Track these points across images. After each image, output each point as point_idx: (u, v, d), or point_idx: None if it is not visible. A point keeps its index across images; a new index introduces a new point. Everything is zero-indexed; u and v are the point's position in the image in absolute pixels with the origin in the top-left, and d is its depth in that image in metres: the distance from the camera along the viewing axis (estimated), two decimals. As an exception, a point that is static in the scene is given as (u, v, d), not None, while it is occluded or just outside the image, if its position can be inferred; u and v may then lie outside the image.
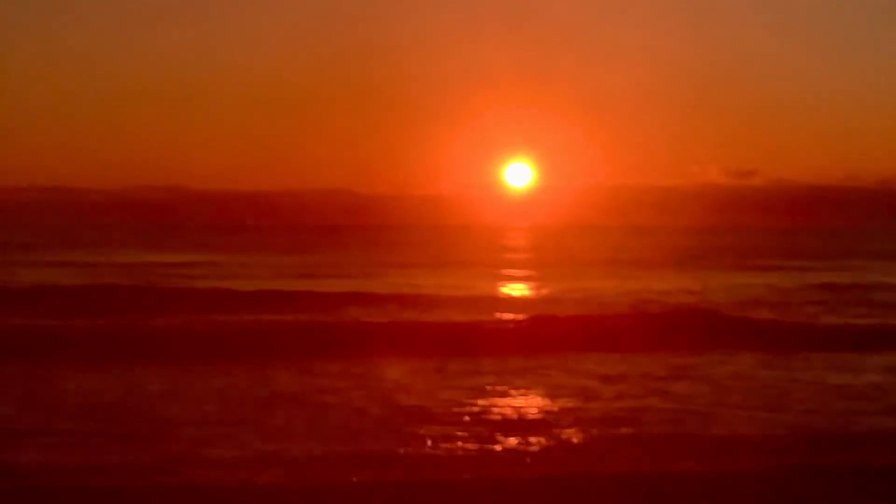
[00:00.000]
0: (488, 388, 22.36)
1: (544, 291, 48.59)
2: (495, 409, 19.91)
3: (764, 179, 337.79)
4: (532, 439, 17.15)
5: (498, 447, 16.71)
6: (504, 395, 21.59)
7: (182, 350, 26.55)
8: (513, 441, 17.05)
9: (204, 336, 29.05)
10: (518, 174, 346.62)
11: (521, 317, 35.84)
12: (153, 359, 25.56)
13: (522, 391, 22.08)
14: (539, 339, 30.16)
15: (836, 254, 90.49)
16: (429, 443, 16.71)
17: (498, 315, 37.18)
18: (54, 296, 40.44)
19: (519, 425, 18.42)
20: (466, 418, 18.91)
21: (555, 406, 20.36)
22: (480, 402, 20.64)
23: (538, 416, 19.36)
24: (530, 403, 20.58)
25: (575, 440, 17.28)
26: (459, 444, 16.84)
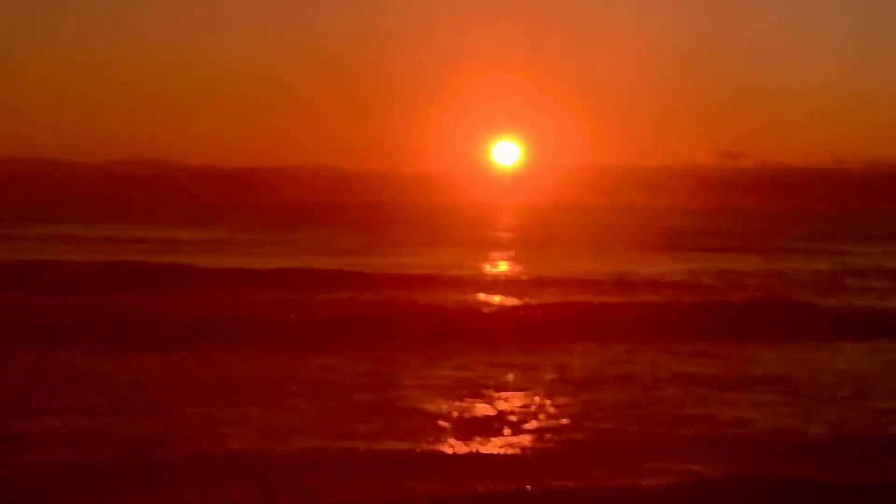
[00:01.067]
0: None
1: (586, 273, 46.76)
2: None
3: (752, 161, 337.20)
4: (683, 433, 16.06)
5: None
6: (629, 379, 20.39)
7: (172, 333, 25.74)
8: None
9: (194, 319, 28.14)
10: (506, 153, 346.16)
11: (594, 300, 34.20)
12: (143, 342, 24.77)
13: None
14: (626, 326, 28.78)
15: (842, 237, 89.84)
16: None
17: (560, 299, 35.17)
18: (56, 273, 39.31)
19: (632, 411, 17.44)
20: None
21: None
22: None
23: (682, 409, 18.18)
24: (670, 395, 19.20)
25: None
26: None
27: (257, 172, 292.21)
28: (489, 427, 16.91)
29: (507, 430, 17.28)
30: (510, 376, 21.53)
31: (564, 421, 17.71)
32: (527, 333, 27.30)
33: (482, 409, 18.57)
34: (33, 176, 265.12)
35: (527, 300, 34.82)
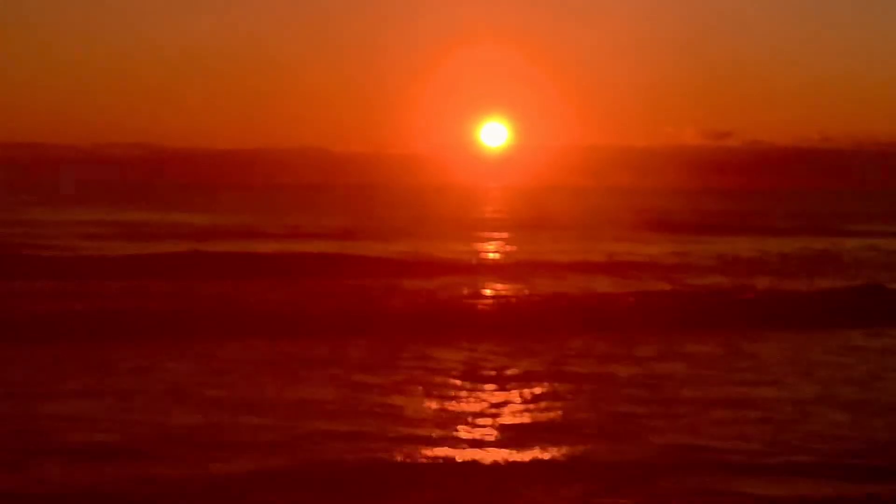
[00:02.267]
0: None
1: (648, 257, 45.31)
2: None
3: (739, 140, 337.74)
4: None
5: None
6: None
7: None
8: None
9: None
10: (493, 134, 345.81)
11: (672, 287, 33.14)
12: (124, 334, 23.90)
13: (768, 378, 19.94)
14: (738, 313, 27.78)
15: (848, 216, 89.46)
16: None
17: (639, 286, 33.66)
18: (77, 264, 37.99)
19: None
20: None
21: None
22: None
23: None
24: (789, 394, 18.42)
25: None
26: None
27: (244, 154, 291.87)
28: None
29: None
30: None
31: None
32: (519, 325, 26.22)
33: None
34: (21, 159, 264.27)
35: (520, 289, 33.68)
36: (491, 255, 48.26)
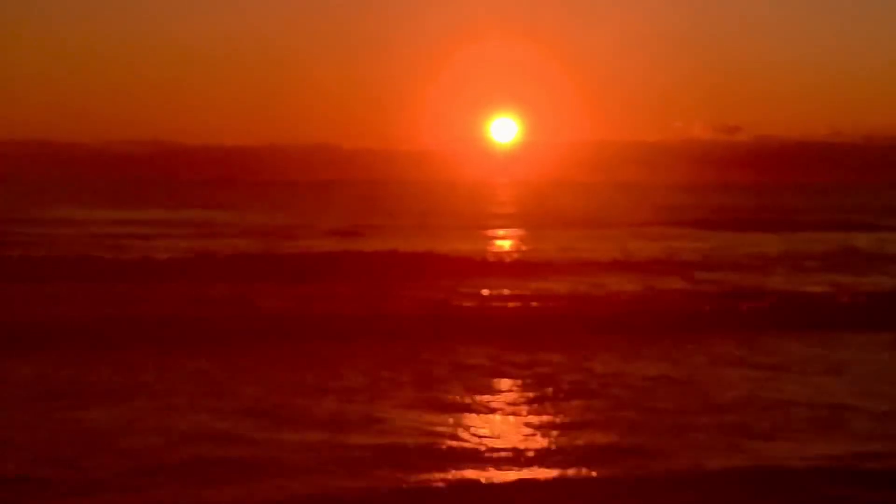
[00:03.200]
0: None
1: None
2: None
3: (749, 135, 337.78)
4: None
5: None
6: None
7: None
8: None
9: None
10: (503, 129, 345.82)
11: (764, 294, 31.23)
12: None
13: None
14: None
15: (864, 210, 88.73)
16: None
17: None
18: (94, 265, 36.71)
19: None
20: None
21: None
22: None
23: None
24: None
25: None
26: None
27: (256, 151, 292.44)
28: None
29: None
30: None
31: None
32: (546, 330, 24.89)
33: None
34: (33, 157, 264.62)
35: (544, 290, 31.93)
36: (514, 253, 47.40)
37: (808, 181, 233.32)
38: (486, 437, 15.38)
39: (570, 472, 13.65)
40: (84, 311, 27.01)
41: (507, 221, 70.96)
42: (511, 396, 18.29)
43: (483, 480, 13.15)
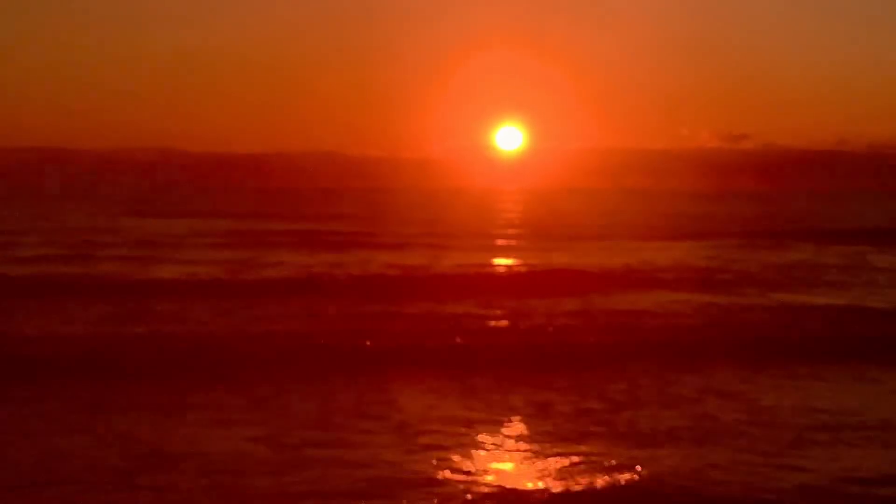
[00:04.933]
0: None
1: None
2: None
3: (755, 143, 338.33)
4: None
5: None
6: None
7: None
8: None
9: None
10: (509, 137, 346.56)
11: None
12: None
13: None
14: None
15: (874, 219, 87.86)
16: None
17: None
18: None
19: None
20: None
21: None
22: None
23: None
24: None
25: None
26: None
27: (262, 159, 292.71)
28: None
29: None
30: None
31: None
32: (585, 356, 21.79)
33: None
34: (40, 164, 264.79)
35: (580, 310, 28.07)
36: (510, 268, 43.48)
37: (816, 189, 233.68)
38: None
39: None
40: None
41: (507, 234, 68.64)
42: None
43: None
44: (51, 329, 23.93)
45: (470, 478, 13.21)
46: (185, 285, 32.59)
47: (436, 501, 12.24)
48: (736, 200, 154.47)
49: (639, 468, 13.45)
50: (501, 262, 43.31)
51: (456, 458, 14.00)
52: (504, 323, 25.78)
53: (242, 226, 69.01)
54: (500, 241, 56.61)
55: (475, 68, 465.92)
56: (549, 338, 23.65)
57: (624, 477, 13.16)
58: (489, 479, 13.23)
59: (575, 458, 14.00)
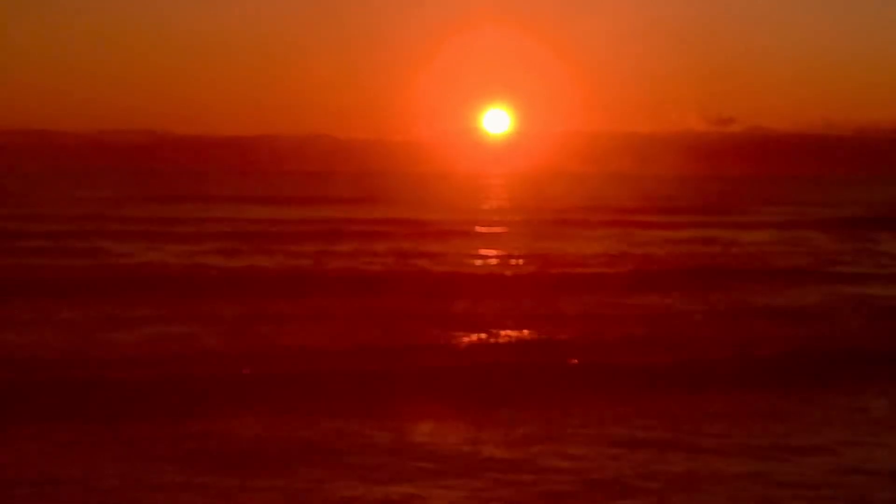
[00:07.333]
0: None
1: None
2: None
3: (742, 126, 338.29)
4: None
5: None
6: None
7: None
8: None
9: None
10: (496, 120, 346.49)
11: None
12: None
13: None
14: None
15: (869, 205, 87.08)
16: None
17: None
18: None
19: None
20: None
21: None
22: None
23: None
24: None
25: None
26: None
27: (249, 142, 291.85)
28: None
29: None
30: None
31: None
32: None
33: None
34: (24, 146, 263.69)
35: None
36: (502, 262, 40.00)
37: (802, 172, 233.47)
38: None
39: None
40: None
41: (497, 219, 66.24)
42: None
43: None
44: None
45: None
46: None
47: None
48: (714, 183, 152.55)
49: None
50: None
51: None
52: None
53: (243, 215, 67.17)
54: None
55: (463, 51, 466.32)
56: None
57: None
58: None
59: None
